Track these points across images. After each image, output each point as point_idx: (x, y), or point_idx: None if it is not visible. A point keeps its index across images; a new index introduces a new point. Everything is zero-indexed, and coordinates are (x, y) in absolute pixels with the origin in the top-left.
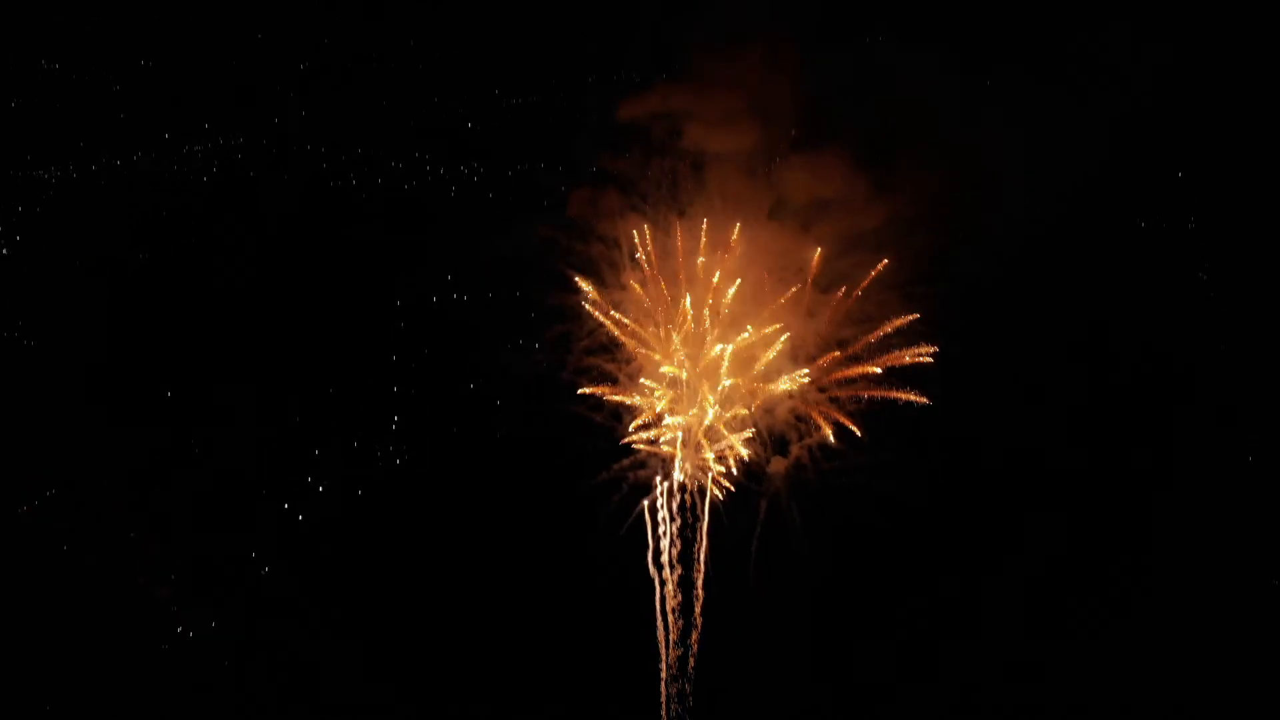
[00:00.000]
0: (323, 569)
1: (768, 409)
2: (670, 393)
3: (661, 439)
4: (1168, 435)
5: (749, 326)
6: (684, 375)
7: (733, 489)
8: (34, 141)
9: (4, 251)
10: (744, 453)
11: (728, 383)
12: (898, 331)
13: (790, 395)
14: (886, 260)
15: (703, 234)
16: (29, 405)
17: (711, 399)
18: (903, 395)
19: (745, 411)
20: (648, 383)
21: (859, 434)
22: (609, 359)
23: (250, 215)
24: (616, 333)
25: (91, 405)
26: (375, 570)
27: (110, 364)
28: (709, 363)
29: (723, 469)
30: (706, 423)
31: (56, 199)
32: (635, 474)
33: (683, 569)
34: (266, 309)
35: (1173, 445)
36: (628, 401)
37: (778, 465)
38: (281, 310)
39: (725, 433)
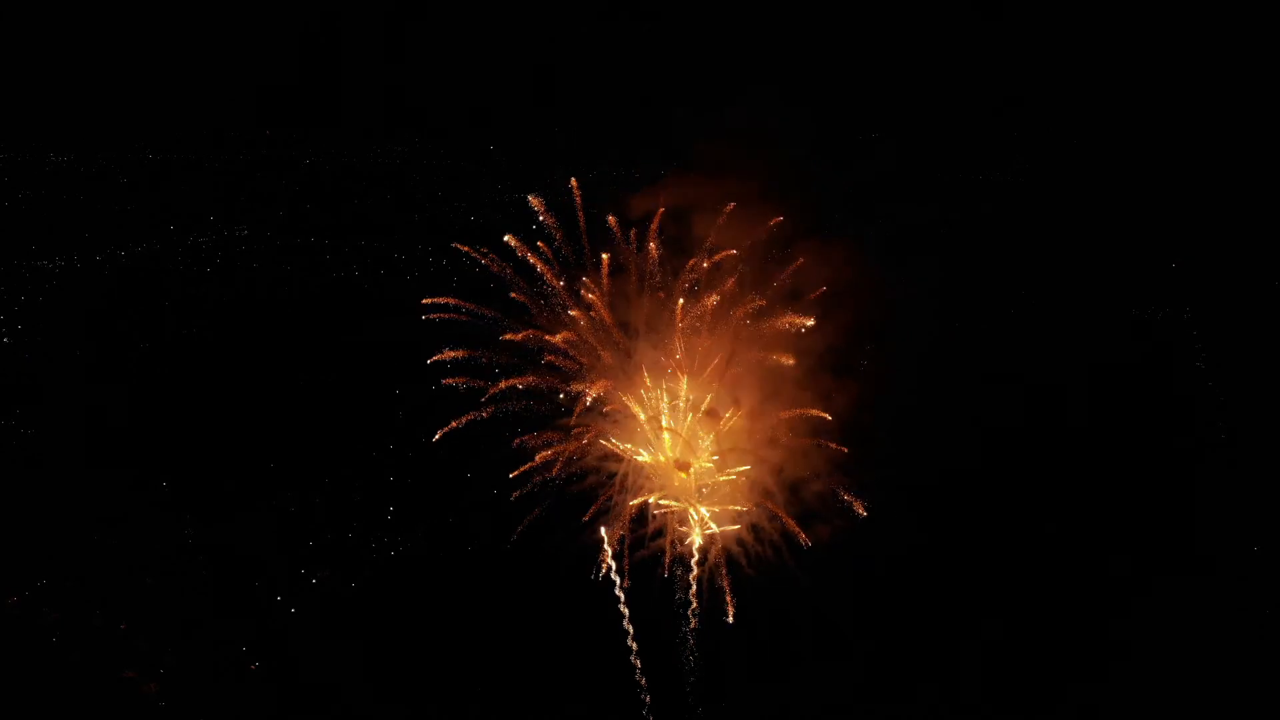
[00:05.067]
0: (314, 663)
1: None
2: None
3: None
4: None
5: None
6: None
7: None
8: (39, 232)
9: (5, 340)
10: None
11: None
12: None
13: (817, 476)
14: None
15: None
16: (23, 495)
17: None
18: None
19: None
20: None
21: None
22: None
23: (252, 305)
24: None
25: (86, 495)
26: (367, 667)
27: (108, 454)
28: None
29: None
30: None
31: (60, 289)
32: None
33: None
34: (265, 399)
35: (1171, 533)
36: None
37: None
38: (280, 401)
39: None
